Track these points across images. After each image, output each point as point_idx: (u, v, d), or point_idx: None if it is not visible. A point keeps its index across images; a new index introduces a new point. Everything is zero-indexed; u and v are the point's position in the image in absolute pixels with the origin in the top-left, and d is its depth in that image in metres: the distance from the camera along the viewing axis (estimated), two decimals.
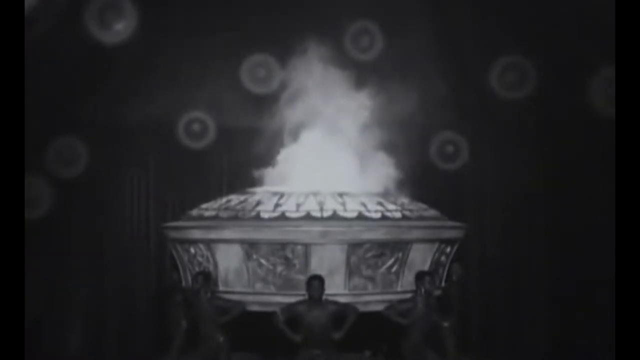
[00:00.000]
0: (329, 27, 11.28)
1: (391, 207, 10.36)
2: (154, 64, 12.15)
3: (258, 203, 10.31)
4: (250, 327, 9.96)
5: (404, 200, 10.72)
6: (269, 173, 11.15)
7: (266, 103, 11.79)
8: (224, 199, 10.73)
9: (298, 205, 10.17)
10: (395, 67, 11.53)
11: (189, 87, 12.15)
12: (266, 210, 10.16)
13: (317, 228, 9.94)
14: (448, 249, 10.65)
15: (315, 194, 10.35)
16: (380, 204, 10.36)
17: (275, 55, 11.78)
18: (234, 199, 10.64)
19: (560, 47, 11.59)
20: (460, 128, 12.35)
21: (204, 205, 10.77)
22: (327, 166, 10.83)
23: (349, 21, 11.71)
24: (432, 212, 10.75)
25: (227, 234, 10.14)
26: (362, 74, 11.24)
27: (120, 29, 11.12)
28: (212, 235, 10.24)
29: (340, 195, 10.36)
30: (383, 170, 10.97)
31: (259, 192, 10.72)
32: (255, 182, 11.19)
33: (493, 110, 12.25)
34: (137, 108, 12.16)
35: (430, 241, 10.39)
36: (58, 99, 11.72)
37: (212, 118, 12.19)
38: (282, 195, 10.41)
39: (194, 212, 10.78)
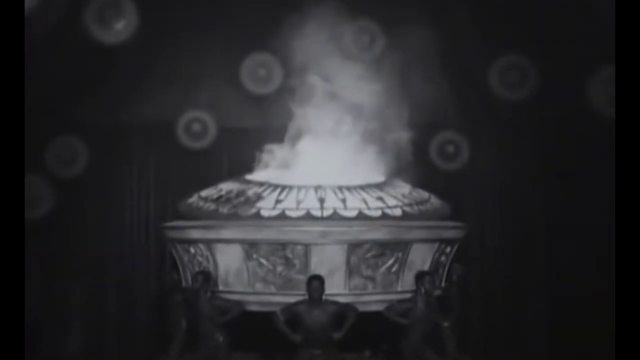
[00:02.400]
0: (329, 25, 11.28)
1: (392, 202, 10.34)
2: (154, 64, 12.15)
3: (259, 198, 10.30)
4: (250, 327, 9.96)
5: (405, 190, 10.70)
6: (274, 154, 11.17)
7: (266, 103, 11.83)
8: (224, 189, 10.68)
9: (298, 202, 10.16)
10: (395, 66, 11.52)
11: (189, 87, 12.15)
12: (266, 208, 10.15)
13: (317, 228, 9.94)
14: (448, 249, 10.65)
15: (316, 188, 10.33)
16: (381, 199, 10.34)
17: (275, 54, 11.80)
18: (235, 189, 10.59)
19: (560, 47, 11.59)
20: (460, 128, 12.35)
21: (204, 193, 10.75)
22: (330, 154, 10.89)
23: (349, 20, 11.70)
24: (433, 204, 10.74)
25: (227, 234, 10.14)
26: (362, 71, 11.28)
27: (120, 28, 11.11)
28: (212, 235, 10.23)
29: (341, 189, 10.34)
30: (383, 160, 11.03)
31: (260, 181, 10.69)
32: (260, 162, 11.20)
33: (493, 110, 12.25)
34: (137, 108, 12.16)
35: (430, 241, 10.38)
36: (58, 99, 11.72)
37: (212, 118, 12.19)
38: (282, 189, 10.39)
39: (194, 199, 10.75)
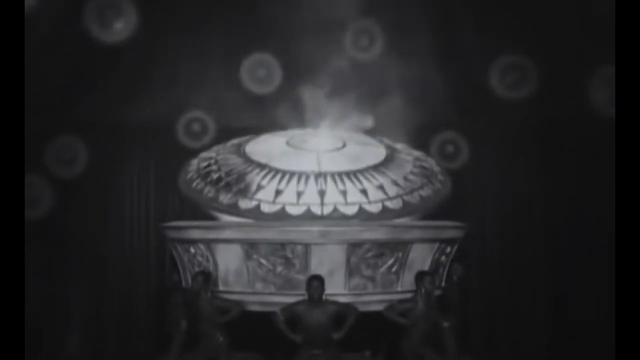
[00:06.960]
0: (329, 26, 11.28)
1: (392, 191, 10.33)
2: (154, 64, 12.15)
3: (259, 187, 10.28)
4: (250, 327, 9.96)
5: (407, 169, 10.71)
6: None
7: (266, 103, 11.84)
8: (223, 167, 10.67)
9: (298, 195, 10.15)
10: (395, 66, 11.53)
11: (189, 87, 12.16)
12: (266, 201, 10.13)
13: (317, 228, 9.94)
14: (448, 249, 10.65)
15: (316, 176, 10.31)
16: (382, 187, 10.34)
17: (275, 54, 11.82)
18: (234, 170, 10.58)
19: (560, 46, 11.59)
20: (460, 128, 12.35)
21: (204, 164, 10.78)
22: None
23: (349, 20, 11.71)
24: (434, 185, 10.75)
25: (227, 234, 10.14)
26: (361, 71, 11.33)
27: (120, 28, 11.10)
28: (212, 235, 10.24)
29: (341, 177, 10.33)
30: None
31: (260, 163, 10.66)
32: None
33: (493, 110, 12.25)
34: (137, 108, 12.16)
35: (430, 241, 10.39)
36: (58, 99, 11.72)
37: (212, 118, 12.20)
38: (282, 175, 10.37)
39: (192, 173, 10.74)
